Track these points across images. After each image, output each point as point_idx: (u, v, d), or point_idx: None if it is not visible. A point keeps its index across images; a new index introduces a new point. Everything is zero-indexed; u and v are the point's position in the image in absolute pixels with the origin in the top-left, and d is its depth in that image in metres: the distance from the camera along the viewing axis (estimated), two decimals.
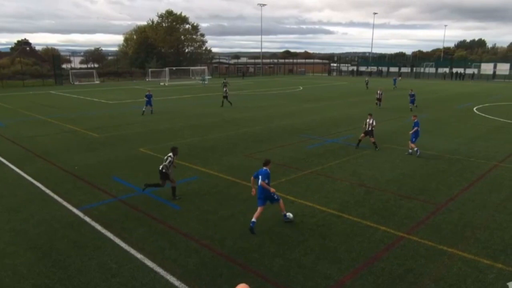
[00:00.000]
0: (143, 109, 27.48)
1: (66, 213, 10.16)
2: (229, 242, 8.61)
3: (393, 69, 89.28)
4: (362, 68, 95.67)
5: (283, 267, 7.60)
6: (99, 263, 7.72)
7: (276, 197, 9.29)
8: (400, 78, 75.94)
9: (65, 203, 10.77)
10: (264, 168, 9.28)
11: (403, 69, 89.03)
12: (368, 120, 16.96)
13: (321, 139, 19.10)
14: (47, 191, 11.76)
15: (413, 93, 30.41)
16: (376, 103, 31.73)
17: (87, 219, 9.75)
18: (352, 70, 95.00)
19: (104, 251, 8.17)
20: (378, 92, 31.62)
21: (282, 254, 8.11)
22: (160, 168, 10.95)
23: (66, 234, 8.96)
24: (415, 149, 15.99)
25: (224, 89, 32.23)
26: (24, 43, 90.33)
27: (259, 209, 9.07)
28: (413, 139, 15.95)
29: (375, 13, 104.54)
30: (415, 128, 15.88)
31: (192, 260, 7.84)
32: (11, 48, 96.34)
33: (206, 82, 59.45)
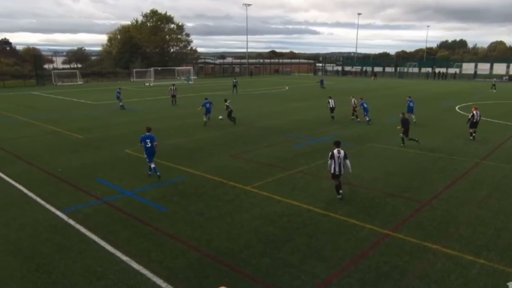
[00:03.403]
0: (121, 104, 30.26)
1: (50, 216, 9.98)
2: (216, 243, 8.58)
3: (378, 69, 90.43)
4: (347, 68, 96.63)
5: (270, 267, 7.62)
6: (84, 266, 7.60)
7: None
8: (375, 78, 76.66)
9: (48, 206, 10.57)
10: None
11: (387, 69, 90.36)
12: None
13: (308, 139, 19.21)
14: (30, 194, 11.52)
15: (363, 102, 24.17)
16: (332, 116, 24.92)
17: (72, 222, 9.59)
18: (337, 70, 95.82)
19: (89, 254, 8.05)
20: (330, 101, 24.90)
21: (269, 253, 8.12)
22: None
23: (50, 237, 8.80)
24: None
25: (172, 87, 33.55)
26: (4, 43, 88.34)
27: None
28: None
29: (359, 14, 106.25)
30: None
31: (178, 262, 7.79)
32: None
33: (191, 82, 59.21)
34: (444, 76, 77.40)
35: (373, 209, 10.49)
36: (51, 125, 23.09)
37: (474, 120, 18.83)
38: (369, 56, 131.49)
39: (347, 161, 10.84)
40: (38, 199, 11.07)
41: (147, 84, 57.06)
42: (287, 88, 52.69)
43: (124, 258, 7.90)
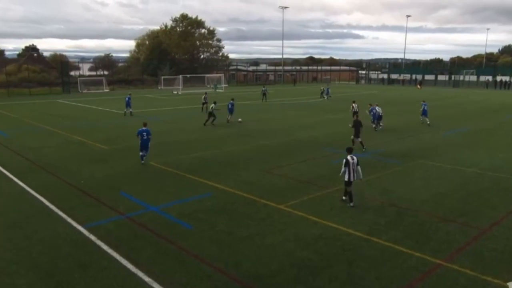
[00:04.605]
0: (125, 111, 33.64)
1: (71, 230, 10.34)
2: (245, 266, 8.56)
3: (429, 77, 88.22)
4: (394, 76, 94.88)
5: None
6: (104, 286, 7.78)
7: None
8: (420, 86, 73.48)
9: (69, 220, 10.97)
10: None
11: (440, 77, 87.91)
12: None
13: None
14: (51, 206, 12.02)
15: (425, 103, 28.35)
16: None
17: (93, 237, 9.89)
18: (383, 78, 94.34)
19: (109, 273, 8.25)
20: (354, 105, 28.25)
21: (303, 281, 8.00)
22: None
23: (70, 253, 9.11)
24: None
25: (205, 95, 35.23)
26: (31, 49, 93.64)
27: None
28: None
29: (408, 16, 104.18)
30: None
31: (204, 285, 7.82)
32: (19, 54, 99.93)
33: (220, 90, 59.91)
34: (507, 85, 74.38)
35: (422, 235, 10.14)
36: (76, 134, 24.11)
37: None
38: (419, 62, 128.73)
39: (359, 167, 11.94)
40: (60, 212, 11.52)
41: (175, 92, 58.39)
42: (325, 97, 52.36)
43: (147, 279, 8.03)
